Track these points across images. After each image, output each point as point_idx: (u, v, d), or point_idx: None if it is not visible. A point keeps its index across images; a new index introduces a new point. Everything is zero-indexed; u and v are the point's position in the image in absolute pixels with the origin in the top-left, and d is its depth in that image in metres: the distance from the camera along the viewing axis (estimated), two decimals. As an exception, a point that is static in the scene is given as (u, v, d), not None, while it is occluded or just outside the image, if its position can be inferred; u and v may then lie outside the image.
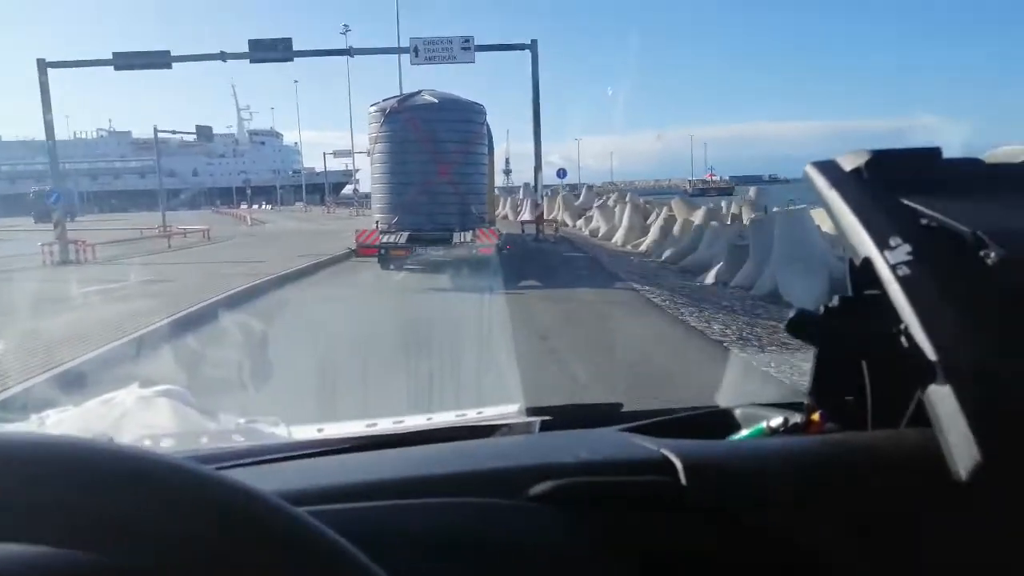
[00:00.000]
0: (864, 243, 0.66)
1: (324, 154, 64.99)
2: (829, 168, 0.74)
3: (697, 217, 17.18)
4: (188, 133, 34.51)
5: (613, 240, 20.88)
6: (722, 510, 0.61)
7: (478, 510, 0.60)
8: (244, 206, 67.37)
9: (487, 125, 15.92)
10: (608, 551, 0.59)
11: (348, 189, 52.66)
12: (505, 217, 30.51)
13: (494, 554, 0.57)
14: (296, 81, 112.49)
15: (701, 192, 50.88)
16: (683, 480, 0.62)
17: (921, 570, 0.60)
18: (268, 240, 24.17)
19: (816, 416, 0.75)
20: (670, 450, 0.65)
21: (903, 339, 0.61)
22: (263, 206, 67.31)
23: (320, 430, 0.98)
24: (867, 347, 0.69)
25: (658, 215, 19.77)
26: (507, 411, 0.97)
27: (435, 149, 14.54)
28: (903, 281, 0.62)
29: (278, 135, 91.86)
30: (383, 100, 15.40)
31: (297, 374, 4.14)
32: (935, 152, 0.73)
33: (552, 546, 0.59)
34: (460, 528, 0.58)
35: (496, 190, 22.88)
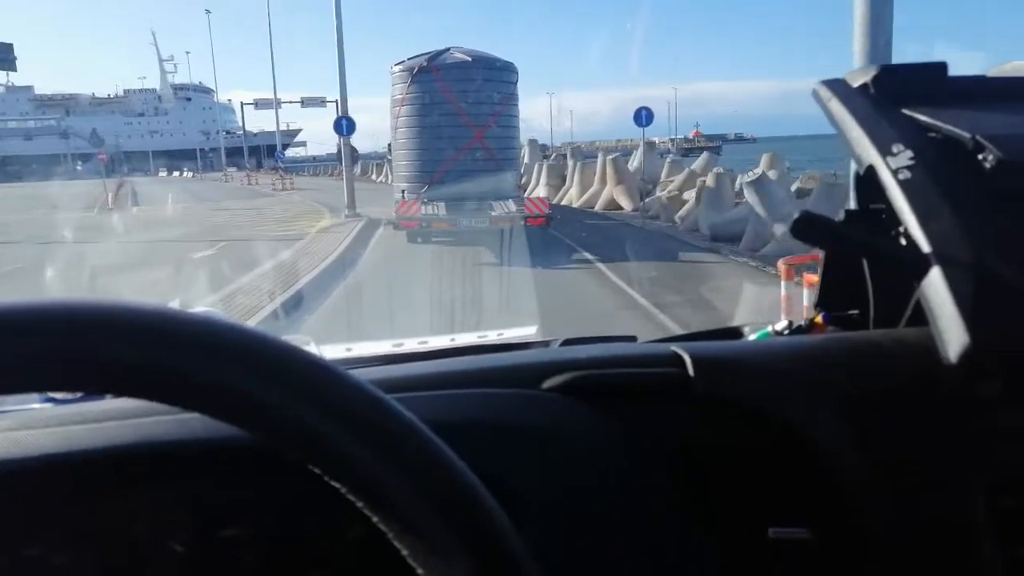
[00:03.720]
0: (868, 152, 0.68)
1: (242, 104, 57.69)
2: (836, 84, 0.76)
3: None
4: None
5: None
6: (727, 400, 0.64)
7: (497, 400, 0.63)
8: (163, 172, 62.82)
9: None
10: (619, 440, 0.62)
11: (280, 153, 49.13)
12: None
13: (512, 441, 0.60)
14: (208, 11, 64.13)
15: (687, 152, 49.19)
16: (691, 372, 0.65)
17: (915, 458, 0.62)
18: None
19: (819, 319, 0.79)
20: (679, 347, 0.68)
21: (902, 240, 0.64)
22: (183, 173, 62.82)
23: (349, 349, 1.03)
24: (867, 247, 0.70)
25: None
26: (526, 332, 1.07)
27: (469, 111, 13.38)
28: (903, 184, 0.65)
29: (208, 91, 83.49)
30: (408, 59, 14.06)
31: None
32: (941, 67, 0.74)
33: (567, 434, 0.62)
34: (480, 416, 0.61)
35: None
